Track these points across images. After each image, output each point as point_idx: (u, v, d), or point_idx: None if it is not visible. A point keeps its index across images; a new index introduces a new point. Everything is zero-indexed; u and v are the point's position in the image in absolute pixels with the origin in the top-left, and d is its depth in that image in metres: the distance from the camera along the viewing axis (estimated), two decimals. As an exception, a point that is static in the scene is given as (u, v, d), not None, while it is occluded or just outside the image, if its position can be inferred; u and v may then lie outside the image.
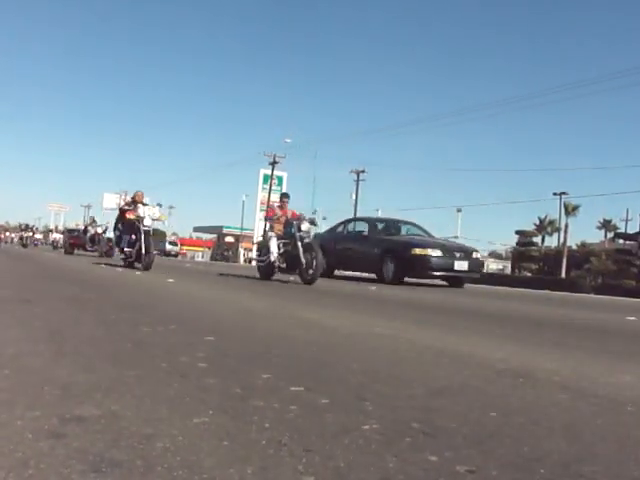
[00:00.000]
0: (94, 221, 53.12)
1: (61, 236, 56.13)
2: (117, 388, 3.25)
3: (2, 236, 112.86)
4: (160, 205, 21.22)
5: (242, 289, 14.48)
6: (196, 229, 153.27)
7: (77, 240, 48.06)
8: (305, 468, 2.22)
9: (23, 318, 6.01)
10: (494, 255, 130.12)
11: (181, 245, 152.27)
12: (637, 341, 8.04)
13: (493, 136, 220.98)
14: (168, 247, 72.77)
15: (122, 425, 2.58)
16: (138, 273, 17.37)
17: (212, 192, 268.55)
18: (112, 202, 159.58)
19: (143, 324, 5.84)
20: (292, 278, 17.56)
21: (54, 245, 60.07)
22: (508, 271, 67.85)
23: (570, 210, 60.78)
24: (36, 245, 66.07)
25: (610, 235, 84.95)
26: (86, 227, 50.12)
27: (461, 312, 11.24)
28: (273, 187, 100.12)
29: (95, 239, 43.72)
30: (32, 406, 2.79)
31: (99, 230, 44.75)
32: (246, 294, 12.71)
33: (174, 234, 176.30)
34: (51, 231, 79.82)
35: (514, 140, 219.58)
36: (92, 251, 43.04)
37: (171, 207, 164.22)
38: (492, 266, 77.96)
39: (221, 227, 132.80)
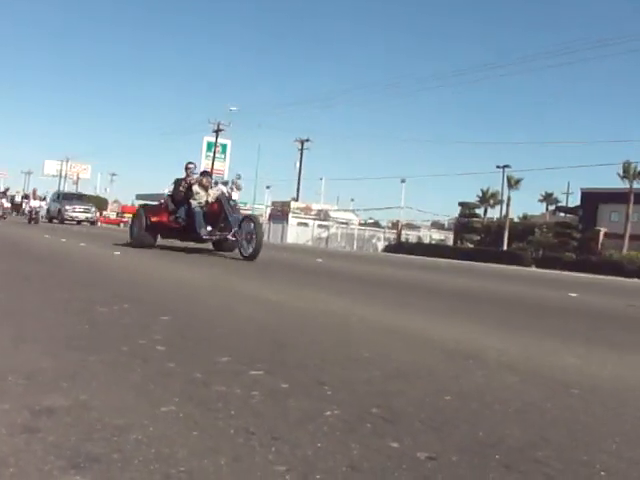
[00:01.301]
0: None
1: (41, 204, 49.63)
2: (82, 375, 3.27)
3: None
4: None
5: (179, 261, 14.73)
6: (138, 196, 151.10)
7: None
8: (275, 458, 2.29)
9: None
10: (437, 225, 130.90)
11: (123, 212, 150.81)
12: (579, 320, 8.27)
13: (439, 108, 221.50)
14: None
15: (93, 416, 2.61)
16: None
17: (155, 159, 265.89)
18: (53, 169, 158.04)
19: (96, 302, 5.90)
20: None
21: (31, 216, 44.62)
22: (450, 242, 68.24)
23: (513, 183, 61.36)
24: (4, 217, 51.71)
25: (552, 208, 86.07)
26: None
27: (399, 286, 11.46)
28: (217, 155, 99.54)
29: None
30: (0, 398, 2.79)
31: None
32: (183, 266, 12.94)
33: (116, 201, 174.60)
34: (26, 197, 61.61)
35: (459, 113, 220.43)
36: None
37: (113, 174, 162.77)
38: (435, 236, 78.48)
39: (163, 194, 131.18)
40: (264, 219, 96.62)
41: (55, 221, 53.49)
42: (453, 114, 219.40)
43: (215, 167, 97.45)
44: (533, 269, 28.62)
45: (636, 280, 28.14)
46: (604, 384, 4.01)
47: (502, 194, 66.16)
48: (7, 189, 66.37)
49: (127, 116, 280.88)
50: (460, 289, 12.41)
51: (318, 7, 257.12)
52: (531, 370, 4.21)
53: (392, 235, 73.61)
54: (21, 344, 4.00)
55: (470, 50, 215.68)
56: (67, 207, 53.79)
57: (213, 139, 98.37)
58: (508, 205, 59.82)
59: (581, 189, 69.24)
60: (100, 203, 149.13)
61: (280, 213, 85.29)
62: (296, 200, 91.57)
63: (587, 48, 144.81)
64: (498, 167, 68.15)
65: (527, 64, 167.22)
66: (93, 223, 55.49)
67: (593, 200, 62.36)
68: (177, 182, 18.23)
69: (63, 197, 58.22)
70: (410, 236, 73.29)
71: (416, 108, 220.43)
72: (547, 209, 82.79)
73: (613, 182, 53.86)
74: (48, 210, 55.12)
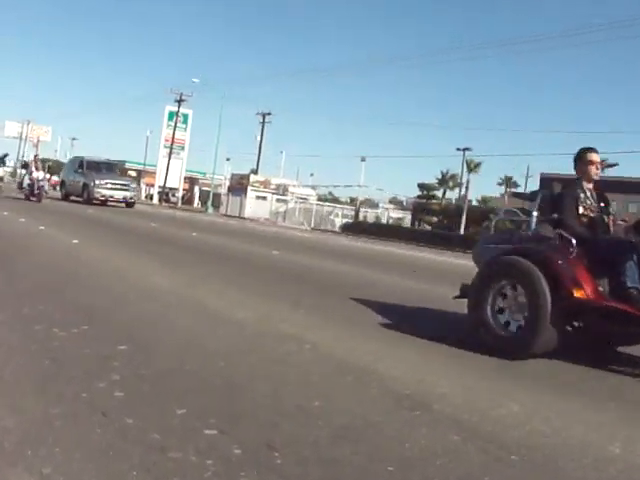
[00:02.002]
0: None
1: (45, 175, 37.75)
2: (45, 438, 3.42)
3: None
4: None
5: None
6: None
7: None
8: None
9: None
10: (395, 202, 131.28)
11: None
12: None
13: (402, 89, 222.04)
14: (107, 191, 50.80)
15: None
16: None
17: (116, 126, 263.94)
18: (14, 130, 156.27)
19: (55, 322, 6.05)
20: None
21: (32, 192, 35.03)
22: (408, 221, 68.59)
23: (472, 167, 61.86)
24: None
25: (510, 191, 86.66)
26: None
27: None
28: (178, 124, 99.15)
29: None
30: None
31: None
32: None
33: (44, 160, 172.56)
34: (25, 166, 45.89)
35: (422, 94, 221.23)
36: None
37: (73, 139, 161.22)
38: (392, 214, 78.77)
39: (124, 162, 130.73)
40: (223, 191, 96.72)
41: (73, 198, 40.65)
42: (416, 95, 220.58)
43: (176, 136, 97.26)
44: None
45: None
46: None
47: (461, 177, 66.70)
48: (6, 155, 52.01)
49: (90, 81, 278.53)
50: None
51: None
52: (480, 427, 4.39)
53: (351, 212, 73.82)
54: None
55: (435, 31, 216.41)
56: (98, 181, 38.60)
57: (175, 108, 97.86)
58: (467, 189, 60.27)
59: (540, 174, 69.86)
60: (60, 168, 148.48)
61: (239, 186, 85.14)
62: (255, 173, 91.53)
63: (555, 36, 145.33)
64: (458, 149, 68.56)
65: (494, 48, 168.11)
66: (131, 205, 40.91)
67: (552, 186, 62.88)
68: None
69: (88, 166, 41.20)
70: (369, 214, 73.56)
71: (378, 88, 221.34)
72: (506, 192, 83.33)
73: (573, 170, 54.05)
74: (63, 183, 43.96)
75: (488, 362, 6.42)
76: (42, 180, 35.28)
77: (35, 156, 41.59)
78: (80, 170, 40.90)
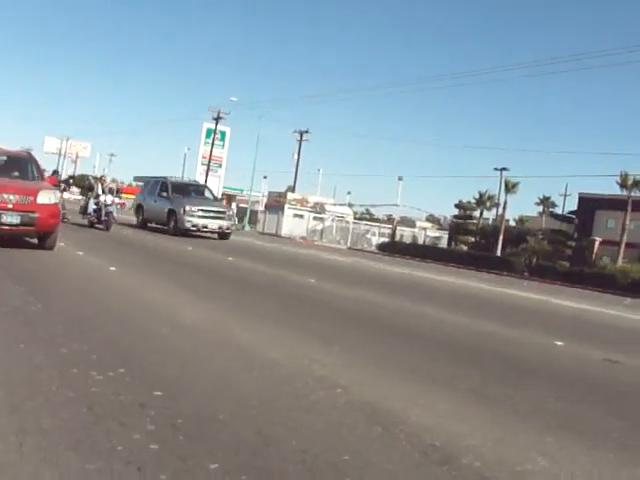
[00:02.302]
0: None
1: (114, 199, 31.97)
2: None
3: None
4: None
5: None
6: (136, 178, 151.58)
7: None
8: None
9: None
10: (432, 219, 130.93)
11: (122, 192, 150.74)
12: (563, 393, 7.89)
13: (440, 109, 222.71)
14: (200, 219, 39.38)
15: None
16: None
17: (154, 143, 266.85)
18: (53, 146, 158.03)
19: (92, 364, 6.18)
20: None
21: (99, 218, 30.48)
22: (445, 241, 68.46)
23: (510, 187, 61.24)
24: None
25: (549, 211, 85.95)
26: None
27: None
28: (216, 142, 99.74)
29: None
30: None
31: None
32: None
33: (113, 181, 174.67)
34: (91, 187, 34.27)
35: (460, 115, 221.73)
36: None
37: (112, 155, 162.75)
38: (429, 233, 78.57)
39: (161, 177, 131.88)
40: (260, 208, 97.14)
41: (152, 226, 35.76)
42: (454, 116, 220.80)
43: (214, 154, 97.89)
44: (523, 284, 28.26)
45: (629, 300, 27.67)
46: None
47: (499, 197, 66.38)
48: (56, 171, 42.80)
49: (129, 99, 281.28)
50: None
51: (325, 5, 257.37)
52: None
53: (387, 230, 73.77)
54: (27, 437, 4.26)
55: (472, 51, 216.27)
56: (188, 207, 32.45)
57: (213, 126, 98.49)
58: (504, 209, 60.12)
59: (579, 194, 69.32)
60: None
61: (276, 203, 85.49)
62: (293, 191, 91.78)
63: (594, 56, 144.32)
64: (496, 169, 68.37)
65: (531, 69, 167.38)
66: (225, 236, 34.10)
67: (590, 206, 62.57)
68: None
69: (175, 189, 35.03)
70: (405, 232, 73.48)
71: (416, 108, 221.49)
72: (544, 212, 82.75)
73: (612, 190, 53.70)
74: (139, 208, 37.54)
75: (521, 410, 6.47)
76: (110, 205, 30.40)
77: (102, 177, 38.76)
78: (164, 194, 34.54)
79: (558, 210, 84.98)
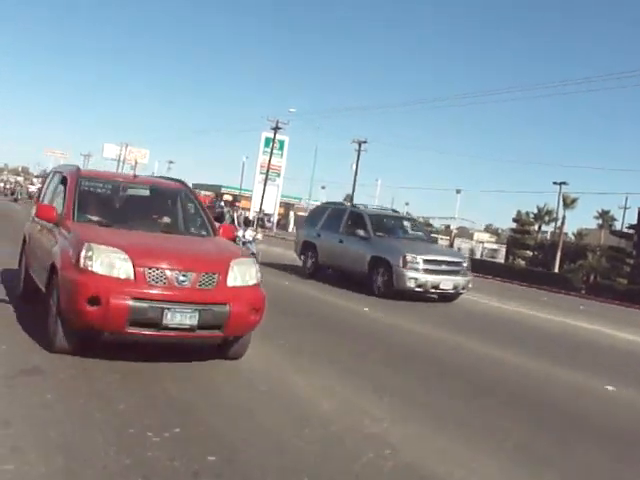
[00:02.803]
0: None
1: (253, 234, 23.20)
2: None
3: None
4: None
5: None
6: (195, 185, 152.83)
7: None
8: None
9: None
10: (490, 230, 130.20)
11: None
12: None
13: (494, 121, 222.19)
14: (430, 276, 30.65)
15: None
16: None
17: (213, 151, 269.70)
18: (112, 152, 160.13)
19: (148, 423, 6.35)
20: None
21: None
22: (502, 254, 68.07)
23: (569, 202, 61.04)
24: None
25: (608, 224, 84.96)
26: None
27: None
28: (274, 151, 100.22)
29: None
30: None
31: None
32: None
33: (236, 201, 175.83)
34: (221, 216, 23.52)
35: (518, 128, 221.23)
36: None
37: (170, 162, 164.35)
38: (487, 245, 78.21)
39: (220, 186, 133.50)
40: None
41: (329, 275, 24.22)
42: (514, 130, 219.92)
43: (272, 163, 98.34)
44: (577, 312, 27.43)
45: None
46: None
47: (557, 211, 66.00)
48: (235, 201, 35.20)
49: (188, 106, 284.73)
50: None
51: (384, 21, 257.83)
52: None
53: (445, 242, 73.65)
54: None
55: (531, 66, 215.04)
56: (411, 256, 20.40)
57: (271, 135, 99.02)
58: (562, 225, 59.64)
59: (639, 208, 68.41)
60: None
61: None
62: (351, 202, 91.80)
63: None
64: (555, 183, 67.96)
65: (593, 83, 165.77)
66: (452, 298, 21.58)
67: (651, 220, 61.66)
68: None
69: (378, 226, 23.03)
70: (463, 245, 73.23)
71: (473, 122, 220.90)
72: (602, 227, 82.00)
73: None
74: (307, 247, 25.10)
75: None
76: (251, 242, 22.54)
77: (233, 202, 28.89)
78: (360, 231, 22.42)
79: (618, 224, 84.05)
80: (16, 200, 66.30)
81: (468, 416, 8.25)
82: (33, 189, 68.78)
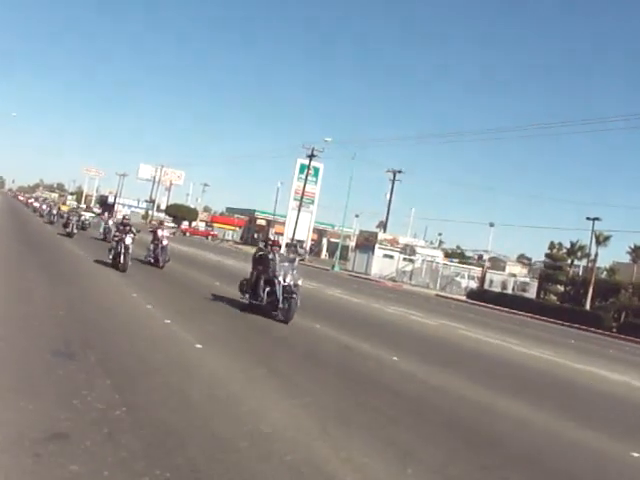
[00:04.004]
0: None
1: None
2: None
3: (28, 201, 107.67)
4: None
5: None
6: (229, 209, 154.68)
7: None
8: None
9: None
10: (523, 261, 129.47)
11: (212, 222, 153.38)
12: None
13: (527, 157, 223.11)
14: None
15: None
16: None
17: (248, 176, 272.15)
18: (147, 173, 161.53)
19: None
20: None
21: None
22: (534, 287, 67.79)
23: (601, 240, 60.80)
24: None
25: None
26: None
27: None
28: (309, 178, 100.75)
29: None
30: None
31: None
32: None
33: (206, 209, 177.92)
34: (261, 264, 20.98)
35: (548, 163, 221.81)
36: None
37: (205, 185, 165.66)
38: (519, 278, 77.96)
39: (253, 211, 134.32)
40: (352, 244, 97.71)
41: None
42: (540, 164, 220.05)
43: (306, 189, 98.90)
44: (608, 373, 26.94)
45: None
46: None
47: (590, 246, 65.72)
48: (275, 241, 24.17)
49: (224, 131, 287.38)
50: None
51: (420, 51, 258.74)
52: None
53: (477, 273, 73.62)
54: None
55: (565, 102, 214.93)
56: None
57: (306, 162, 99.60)
58: (595, 262, 59.46)
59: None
60: (190, 213, 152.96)
61: (367, 243, 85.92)
62: (384, 231, 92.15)
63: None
64: (588, 219, 67.69)
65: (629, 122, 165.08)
66: None
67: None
68: None
69: None
70: (495, 277, 73.08)
71: (507, 156, 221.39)
72: (635, 262, 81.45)
73: None
74: None
75: None
76: (294, 291, 19.72)
77: (274, 242, 22.84)
78: None
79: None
80: (52, 223, 60.95)
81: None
82: (88, 217, 58.20)
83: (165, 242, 33.25)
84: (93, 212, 72.15)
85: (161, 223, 39.74)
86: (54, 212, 67.06)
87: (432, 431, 10.34)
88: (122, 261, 27.70)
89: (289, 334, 17.56)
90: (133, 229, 30.27)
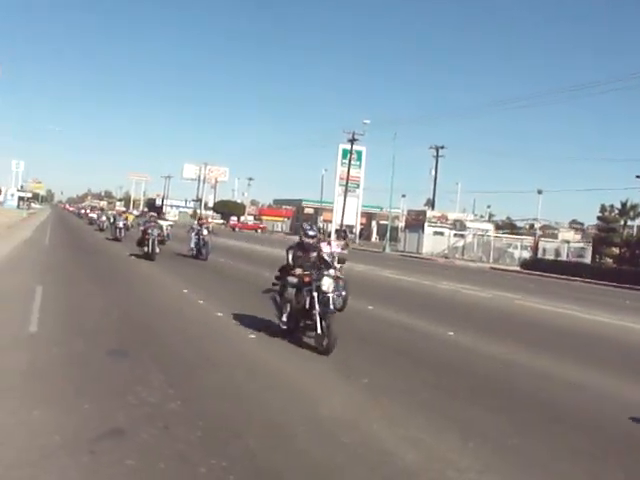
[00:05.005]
0: None
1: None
2: None
3: (85, 212, 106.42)
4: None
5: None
6: (276, 201, 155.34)
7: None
8: None
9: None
10: (575, 226, 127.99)
11: (261, 215, 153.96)
12: None
13: (573, 120, 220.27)
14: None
15: None
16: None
17: (290, 166, 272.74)
18: (192, 172, 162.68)
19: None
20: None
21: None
22: (589, 252, 66.99)
23: (653, 197, 59.93)
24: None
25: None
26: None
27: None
28: (352, 162, 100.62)
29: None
30: None
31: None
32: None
33: (253, 202, 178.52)
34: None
35: (592, 123, 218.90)
36: None
37: (250, 179, 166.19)
38: (573, 243, 77.19)
39: (300, 200, 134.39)
40: (401, 224, 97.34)
41: None
42: (593, 126, 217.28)
43: (351, 174, 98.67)
44: None
45: None
46: None
47: (642, 205, 64.86)
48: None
49: (264, 122, 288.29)
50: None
51: (456, 25, 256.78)
52: None
53: (529, 243, 72.94)
54: None
55: (615, 60, 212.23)
56: None
57: (348, 146, 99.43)
58: (648, 219, 58.62)
59: None
60: (237, 208, 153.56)
61: (416, 222, 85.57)
62: (432, 208, 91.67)
63: None
64: (638, 177, 66.65)
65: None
66: None
67: None
68: None
69: None
70: (547, 245, 72.39)
71: (553, 121, 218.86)
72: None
73: None
74: None
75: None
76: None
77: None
78: None
79: None
80: (118, 240, 46.70)
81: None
82: (167, 226, 40.14)
83: (206, 236, 35.48)
84: (167, 220, 54.94)
85: (201, 219, 41.06)
86: (120, 224, 48.38)
87: (493, 404, 10.13)
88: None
89: (344, 317, 17.42)
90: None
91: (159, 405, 8.68)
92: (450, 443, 8.08)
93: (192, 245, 35.77)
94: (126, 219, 49.97)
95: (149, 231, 32.82)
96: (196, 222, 38.42)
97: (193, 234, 36.15)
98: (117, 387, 9.41)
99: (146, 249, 32.29)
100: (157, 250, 32.48)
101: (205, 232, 35.60)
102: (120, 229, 47.93)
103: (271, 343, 13.59)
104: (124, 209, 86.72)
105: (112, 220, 53.37)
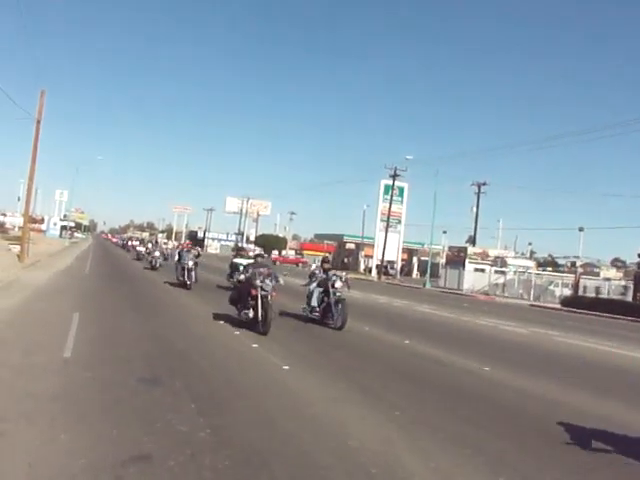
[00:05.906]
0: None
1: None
2: None
3: (132, 243, 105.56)
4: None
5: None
6: (317, 236, 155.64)
7: None
8: None
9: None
10: (617, 264, 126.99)
11: (302, 250, 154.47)
12: None
13: (613, 158, 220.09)
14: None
15: None
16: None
17: (334, 201, 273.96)
18: (234, 206, 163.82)
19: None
20: None
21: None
22: (630, 290, 66.43)
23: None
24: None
25: None
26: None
27: None
28: (394, 198, 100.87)
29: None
30: None
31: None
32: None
33: (295, 237, 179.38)
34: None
35: (633, 160, 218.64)
36: None
37: (292, 213, 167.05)
38: (615, 281, 76.65)
39: (342, 235, 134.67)
40: (442, 261, 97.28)
41: None
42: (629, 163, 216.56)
43: (392, 210, 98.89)
44: None
45: None
46: None
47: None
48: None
49: (308, 158, 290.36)
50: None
51: (492, 64, 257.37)
52: None
53: (571, 281, 72.57)
54: None
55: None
56: None
57: (390, 183, 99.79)
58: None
59: None
60: (279, 242, 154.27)
61: (457, 258, 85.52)
62: (473, 244, 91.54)
63: None
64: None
65: None
66: None
67: None
68: None
69: None
70: (588, 283, 72.02)
71: (592, 160, 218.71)
72: None
73: None
74: None
75: None
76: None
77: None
78: None
79: None
80: (188, 287, 33.22)
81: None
82: (241, 263, 29.07)
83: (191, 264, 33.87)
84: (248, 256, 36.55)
85: (241, 249, 41.92)
86: (189, 263, 34.17)
87: (525, 439, 9.95)
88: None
89: (380, 351, 17.52)
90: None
91: (188, 433, 8.72)
92: (482, 476, 8.06)
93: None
94: (197, 255, 36.31)
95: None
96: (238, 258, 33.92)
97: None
98: (147, 414, 9.49)
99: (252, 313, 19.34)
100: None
101: (191, 263, 33.64)
102: (189, 270, 33.86)
103: (305, 372, 13.71)
104: (189, 242, 78.94)
105: (177, 257, 36.48)
